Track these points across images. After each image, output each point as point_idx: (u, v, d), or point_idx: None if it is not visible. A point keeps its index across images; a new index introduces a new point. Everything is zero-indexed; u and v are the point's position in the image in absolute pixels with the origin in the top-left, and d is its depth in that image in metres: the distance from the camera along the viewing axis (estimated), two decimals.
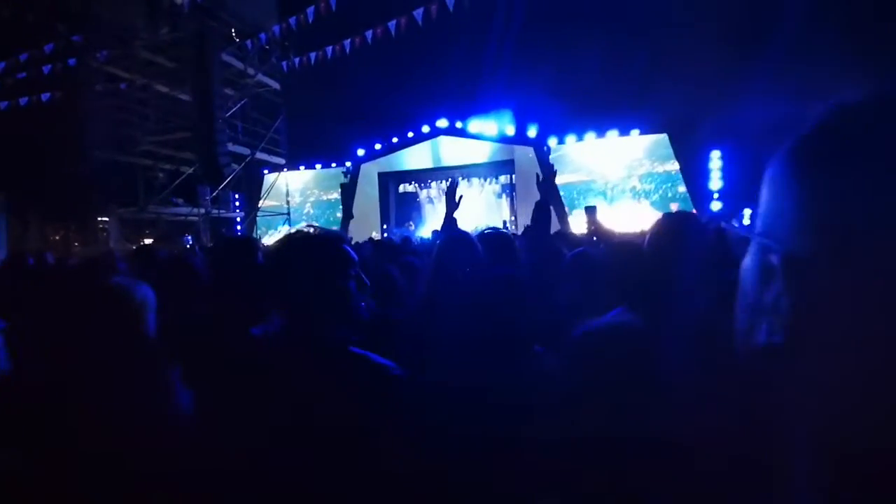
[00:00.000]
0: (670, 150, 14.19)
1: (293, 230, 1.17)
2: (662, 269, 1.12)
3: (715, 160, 13.60)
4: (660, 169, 14.24)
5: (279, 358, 1.02)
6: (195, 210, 13.35)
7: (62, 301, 1.44)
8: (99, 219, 13.35)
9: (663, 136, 14.23)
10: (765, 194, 0.36)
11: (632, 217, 12.34)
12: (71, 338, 1.17)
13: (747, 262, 0.37)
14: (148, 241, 12.12)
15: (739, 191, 13.07)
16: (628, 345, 0.59)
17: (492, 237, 2.03)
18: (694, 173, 13.88)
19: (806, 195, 0.31)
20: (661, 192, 14.23)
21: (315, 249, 1.05)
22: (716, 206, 13.13)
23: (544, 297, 1.43)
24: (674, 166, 14.18)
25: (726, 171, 13.44)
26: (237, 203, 16.02)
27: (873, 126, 0.29)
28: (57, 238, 15.89)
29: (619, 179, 14.50)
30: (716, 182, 13.53)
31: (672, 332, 0.68)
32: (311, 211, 17.89)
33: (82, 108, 12.71)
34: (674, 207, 13.66)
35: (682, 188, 14.07)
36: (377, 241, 6.14)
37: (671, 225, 1.26)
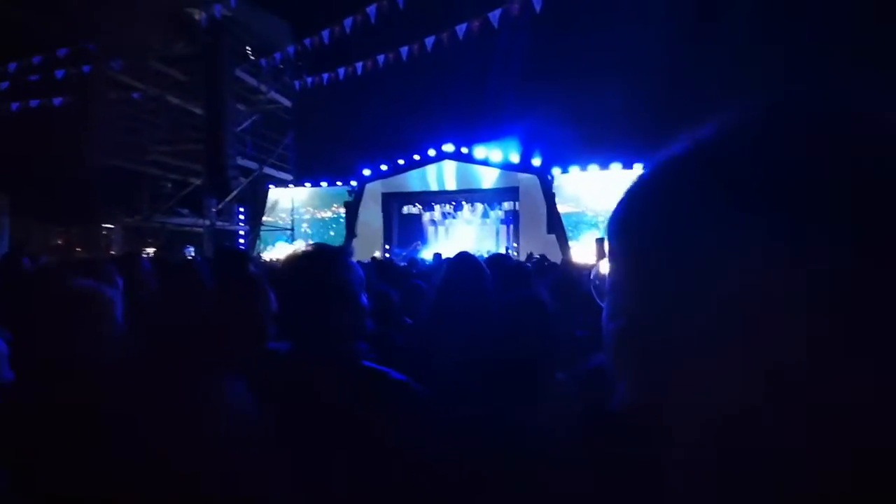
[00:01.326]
0: None
1: (304, 246, 1.17)
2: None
3: None
4: None
5: (299, 374, 1.00)
6: (200, 221, 13.39)
7: (37, 304, 1.41)
8: (103, 225, 13.38)
9: None
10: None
11: None
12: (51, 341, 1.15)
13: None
14: (150, 249, 12.11)
15: None
16: None
17: (505, 262, 2.03)
18: None
19: (627, 261, 0.30)
20: None
21: (335, 265, 1.04)
22: None
23: (561, 325, 1.42)
24: None
25: None
26: (241, 216, 16.08)
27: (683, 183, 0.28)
28: (60, 242, 15.89)
29: (608, 212, 14.71)
30: None
31: None
32: (309, 230, 17.91)
33: (93, 114, 12.88)
34: None
35: None
36: (379, 260, 6.14)
37: None
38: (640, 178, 0.32)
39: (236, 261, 1.59)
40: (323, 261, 1.09)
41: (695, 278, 0.26)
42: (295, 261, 1.12)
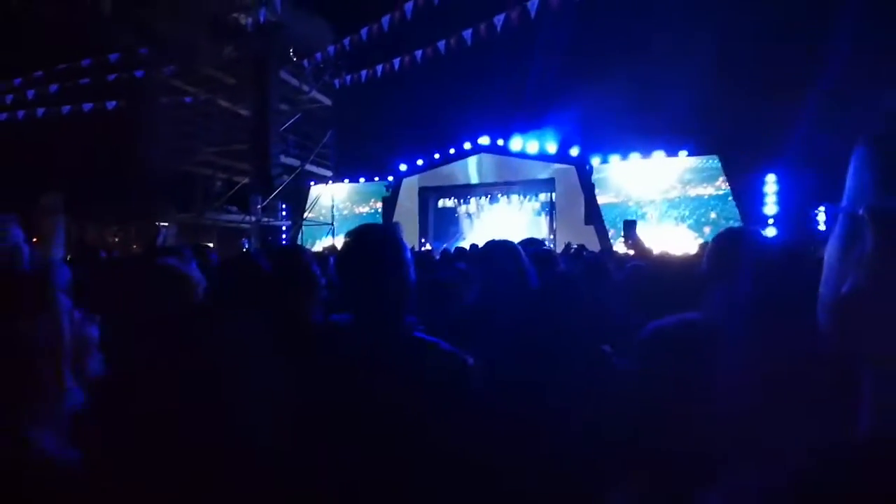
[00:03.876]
0: (702, 175, 13.99)
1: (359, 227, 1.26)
2: (721, 280, 1.14)
3: (770, 184, 13.06)
4: (692, 193, 14.09)
5: (356, 345, 1.10)
6: (247, 218, 14.00)
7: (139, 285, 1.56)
8: (157, 223, 14.19)
9: (696, 162, 14.01)
10: (851, 178, 0.43)
11: (668, 240, 12.09)
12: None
13: (832, 241, 0.43)
14: (209, 245, 12.74)
15: (796, 216, 12.51)
16: (697, 337, 0.62)
17: (532, 250, 2.09)
18: (746, 197, 13.38)
19: (887, 165, 0.40)
20: (695, 216, 14.02)
21: (391, 241, 1.14)
22: (770, 231, 12.57)
23: (598, 305, 1.47)
24: (706, 191, 13.98)
25: (782, 196, 12.90)
26: (284, 213, 16.64)
27: None
28: (115, 240, 16.91)
29: (651, 202, 14.38)
30: (771, 207, 12.97)
31: (737, 329, 0.70)
32: (346, 225, 18.26)
33: (147, 117, 13.56)
34: (707, 231, 13.33)
35: (713, 214, 13.85)
36: (416, 252, 6.26)
37: (732, 239, 1.27)
38: None
39: (291, 257, 1.71)
40: (376, 237, 1.19)
41: None
42: (352, 237, 1.23)
